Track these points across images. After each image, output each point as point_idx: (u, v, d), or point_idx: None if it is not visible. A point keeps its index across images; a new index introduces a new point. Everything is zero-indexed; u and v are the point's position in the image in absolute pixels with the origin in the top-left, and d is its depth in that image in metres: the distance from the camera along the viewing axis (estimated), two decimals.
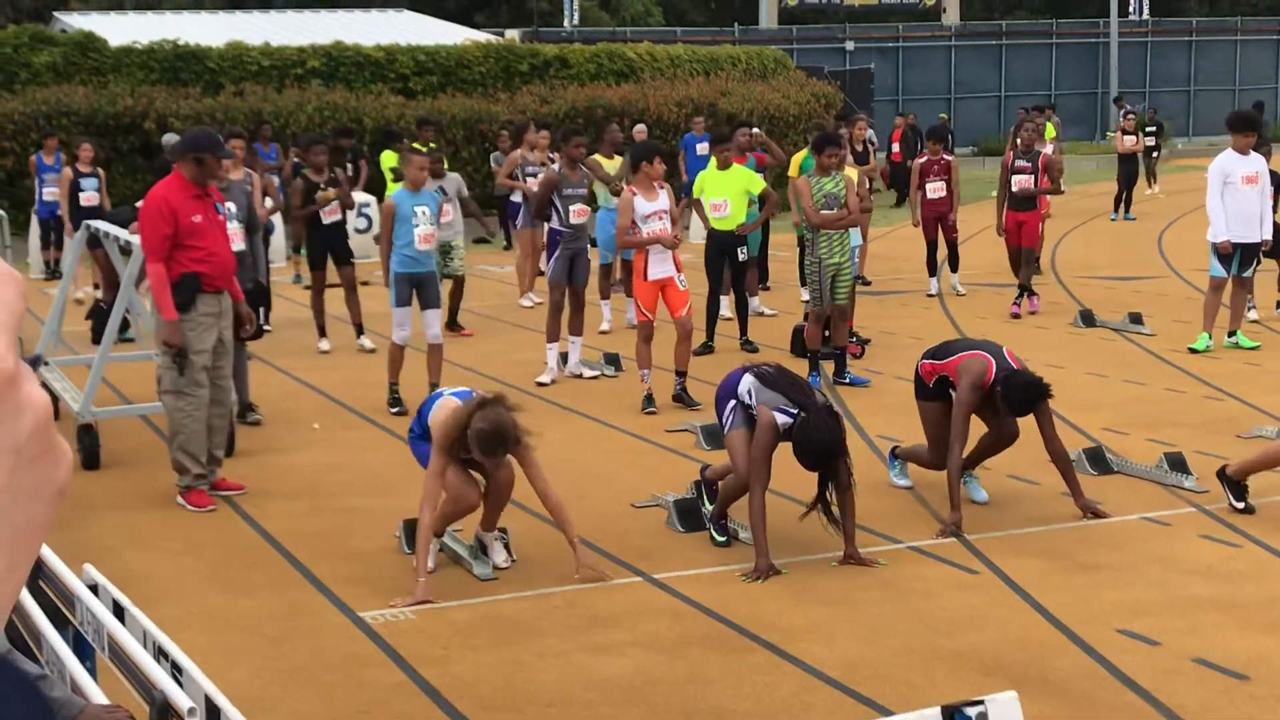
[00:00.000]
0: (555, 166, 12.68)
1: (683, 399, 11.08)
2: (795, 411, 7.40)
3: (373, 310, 15.94)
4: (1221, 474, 8.30)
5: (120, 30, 29.71)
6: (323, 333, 14.02)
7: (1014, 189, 15.18)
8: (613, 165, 15.07)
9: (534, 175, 16.31)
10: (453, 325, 14.72)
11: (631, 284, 15.12)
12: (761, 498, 7.38)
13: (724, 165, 13.26)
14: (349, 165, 20.11)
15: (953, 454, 7.96)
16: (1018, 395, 7.85)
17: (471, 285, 15.65)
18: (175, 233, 8.42)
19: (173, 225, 8.41)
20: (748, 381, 7.65)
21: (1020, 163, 15.20)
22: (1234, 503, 8.19)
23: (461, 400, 7.24)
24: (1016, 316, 15.05)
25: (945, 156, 16.36)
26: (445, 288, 14.58)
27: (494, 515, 7.44)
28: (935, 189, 16.17)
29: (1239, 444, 9.15)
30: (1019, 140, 15.75)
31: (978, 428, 8.31)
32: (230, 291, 8.84)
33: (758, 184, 13.61)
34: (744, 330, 13.70)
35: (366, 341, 14.02)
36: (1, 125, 24.20)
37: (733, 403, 7.71)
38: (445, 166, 15.41)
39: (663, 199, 11.18)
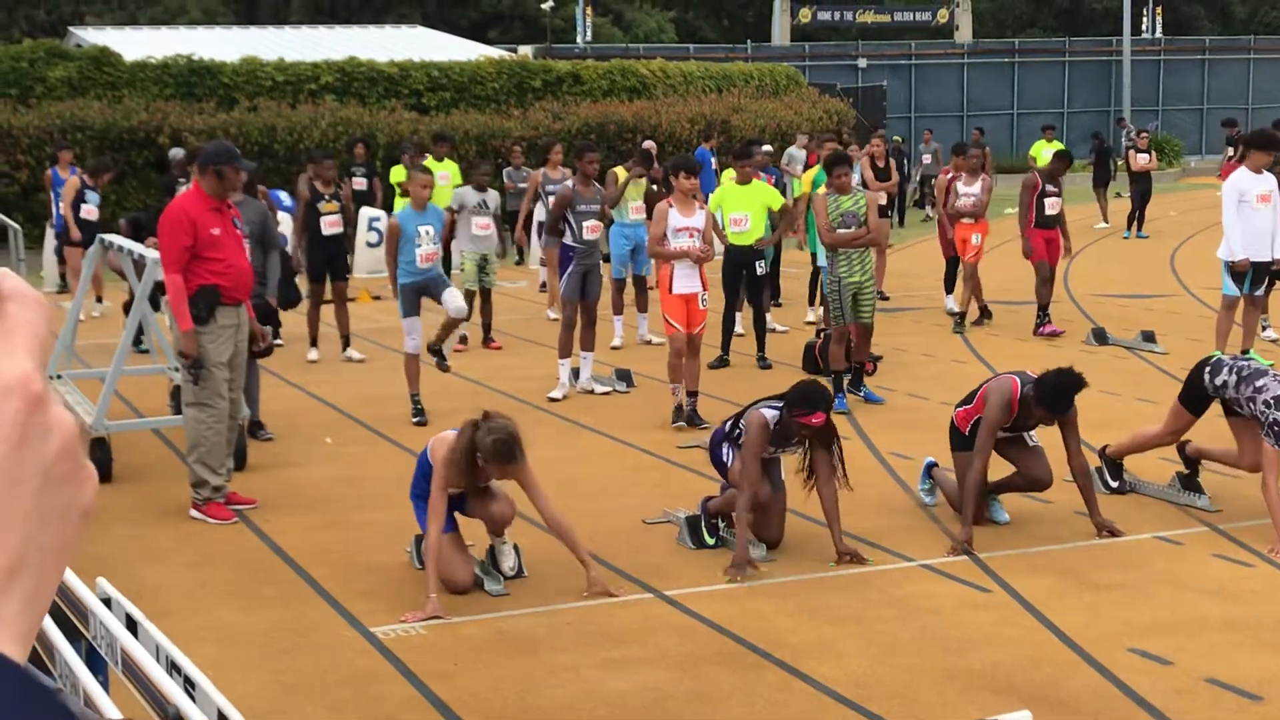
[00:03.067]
0: (569, 183, 12.70)
1: (693, 420, 11.03)
2: (780, 405, 7.56)
3: (389, 325, 15.98)
4: (1101, 453, 8.98)
5: (135, 45, 29.86)
6: (314, 342, 14.21)
7: (1047, 210, 15.13)
8: (636, 181, 15.04)
9: (554, 194, 16.35)
10: (487, 340, 14.84)
11: (642, 300, 15.22)
12: (749, 498, 7.44)
13: (744, 180, 13.25)
14: (365, 179, 20.15)
15: (973, 469, 7.92)
16: (1052, 386, 7.81)
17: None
18: (194, 244, 8.47)
19: (192, 237, 8.46)
20: (732, 424, 7.96)
21: (1049, 187, 15.15)
22: (1110, 482, 8.88)
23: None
24: (1059, 332, 15.03)
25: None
26: (476, 301, 14.75)
27: (500, 522, 7.45)
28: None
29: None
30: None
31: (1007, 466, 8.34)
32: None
33: (777, 199, 13.66)
34: (761, 347, 13.66)
35: (354, 353, 14.28)
36: (17, 139, 24.32)
37: (726, 445, 7.90)
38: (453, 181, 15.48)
39: (698, 217, 11.22)
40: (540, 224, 16.36)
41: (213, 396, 8.64)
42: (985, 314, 15.92)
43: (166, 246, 8.53)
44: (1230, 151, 29.37)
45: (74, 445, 0.85)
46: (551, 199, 15.99)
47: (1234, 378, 8.10)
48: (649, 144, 20.48)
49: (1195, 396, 8.44)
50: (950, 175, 16.29)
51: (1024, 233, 15.22)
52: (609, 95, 29.94)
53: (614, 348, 14.53)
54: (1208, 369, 8.35)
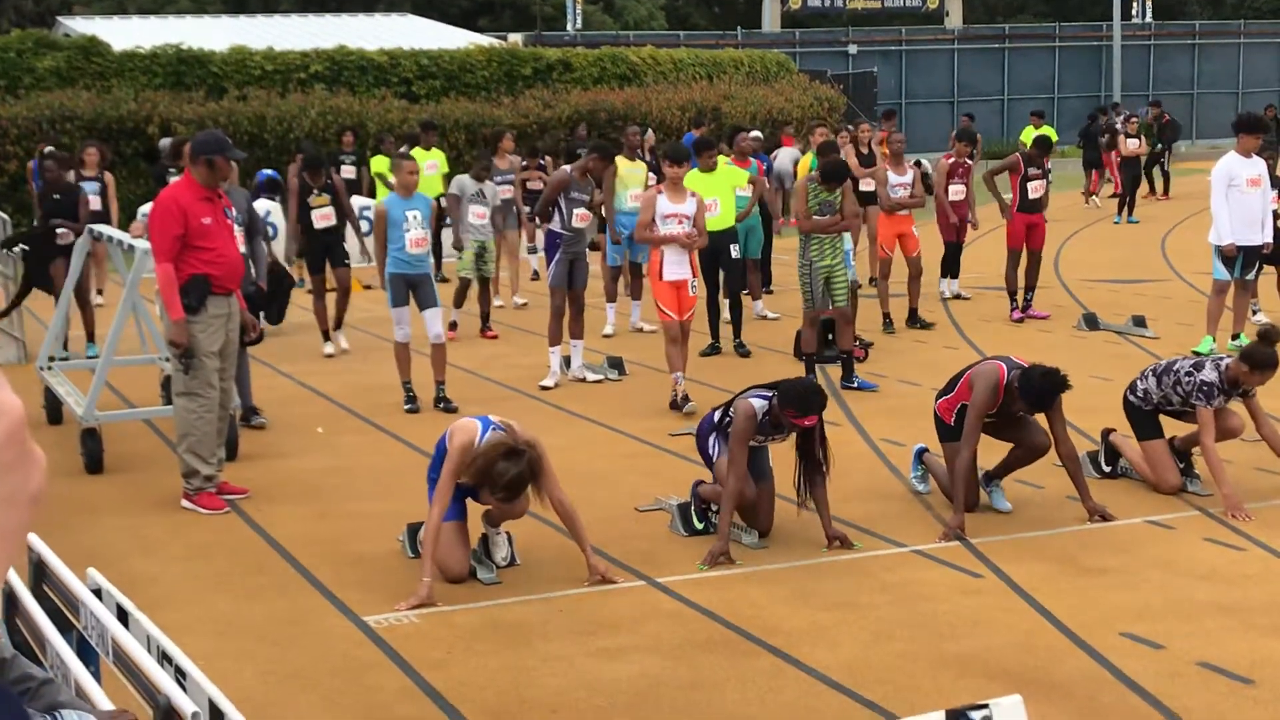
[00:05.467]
0: (568, 169, 12.70)
1: (678, 404, 11.08)
2: (770, 394, 7.54)
3: (379, 314, 15.97)
4: (1104, 435, 9.10)
5: (123, 35, 29.78)
6: (326, 336, 14.15)
7: (1030, 195, 15.05)
8: (634, 168, 14.97)
9: (504, 184, 16.21)
10: (484, 329, 14.82)
11: (636, 288, 15.20)
12: (736, 486, 7.44)
13: (708, 169, 13.21)
14: (354, 168, 20.09)
15: (961, 456, 7.94)
16: (1037, 385, 7.84)
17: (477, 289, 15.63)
18: (185, 234, 8.45)
19: (182, 226, 8.44)
20: (721, 414, 7.95)
21: (1032, 170, 15.07)
22: (1103, 467, 8.99)
23: (484, 427, 7.18)
24: (1045, 317, 14.95)
25: (968, 160, 16.33)
26: (474, 291, 14.76)
27: (501, 519, 7.45)
28: (957, 191, 16.12)
29: (1243, 447, 9.15)
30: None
31: (1000, 447, 8.35)
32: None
33: (742, 178, 13.73)
34: (737, 333, 13.66)
35: (343, 340, 14.31)
36: (5, 130, 24.24)
37: (714, 436, 7.88)
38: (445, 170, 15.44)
39: (689, 204, 11.25)
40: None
41: (203, 386, 8.63)
42: (910, 319, 14.97)
43: (157, 236, 8.51)
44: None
45: (20, 431, 0.83)
46: (501, 189, 15.95)
47: (1152, 379, 8.70)
48: (633, 129, 20.39)
49: (1143, 423, 8.75)
50: (951, 160, 16.27)
51: (1001, 204, 15.35)
52: (599, 83, 29.90)
53: (606, 335, 14.51)
54: (1128, 392, 8.87)
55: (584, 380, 12.35)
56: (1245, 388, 8.36)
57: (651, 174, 16.30)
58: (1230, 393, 8.38)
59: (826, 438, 7.68)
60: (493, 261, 14.84)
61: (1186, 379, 8.40)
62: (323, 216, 13.97)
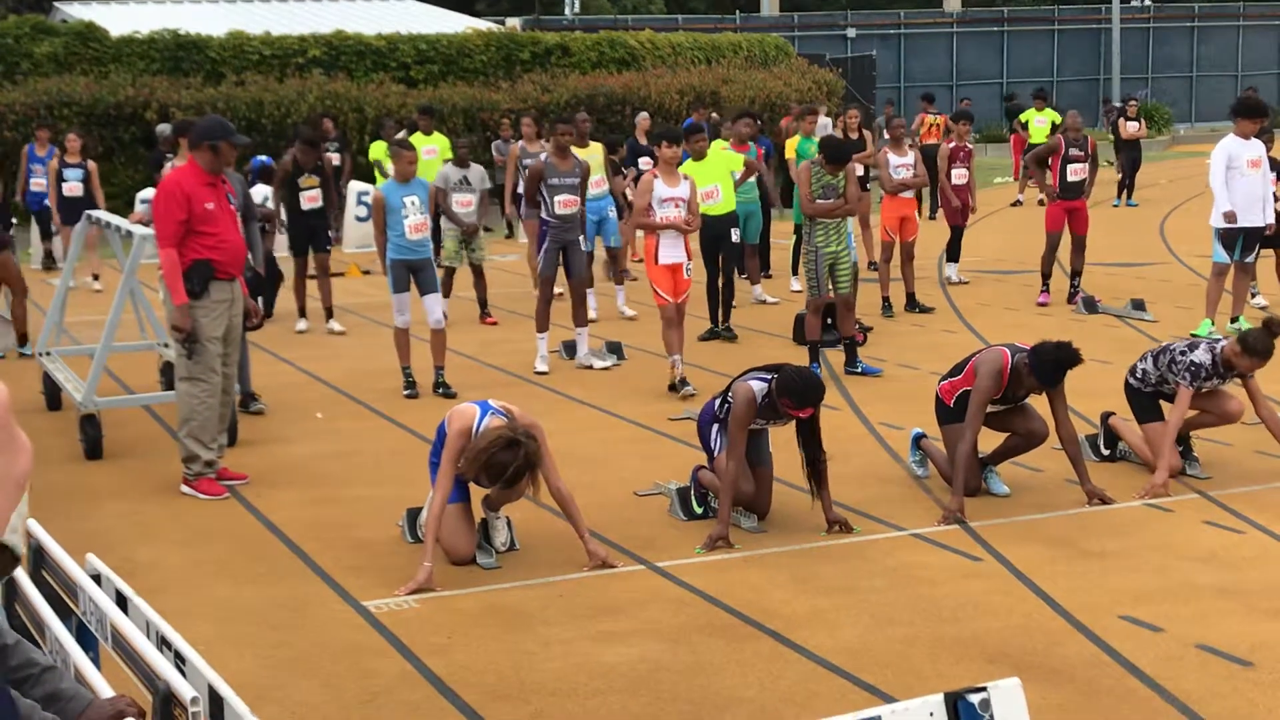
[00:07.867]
0: (543, 156, 12.62)
1: (676, 386, 11.11)
2: (769, 377, 7.52)
3: (378, 299, 15.97)
4: (1103, 419, 9.10)
5: (121, 20, 29.71)
6: (302, 313, 14.41)
7: (1069, 177, 14.92)
8: (586, 154, 14.94)
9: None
10: (484, 315, 14.79)
11: (618, 273, 15.21)
12: (735, 471, 7.43)
13: (699, 156, 13.05)
14: (336, 154, 20.07)
15: (964, 440, 7.93)
16: (1050, 358, 7.83)
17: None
18: (189, 219, 8.45)
19: (186, 211, 8.44)
20: (721, 401, 7.92)
21: (1074, 151, 14.93)
22: (1102, 450, 9.02)
23: (482, 412, 7.19)
24: (1050, 306, 14.85)
25: (969, 145, 16.30)
26: (467, 278, 14.74)
27: (501, 503, 7.45)
28: (960, 175, 16.08)
29: (1243, 430, 9.16)
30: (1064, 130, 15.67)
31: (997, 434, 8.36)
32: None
33: (737, 161, 13.72)
34: (726, 316, 13.59)
35: (335, 325, 14.37)
36: (3, 116, 24.20)
37: (715, 427, 7.86)
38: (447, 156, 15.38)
39: (683, 187, 11.26)
40: (518, 196, 16.31)
41: (206, 371, 8.63)
42: (914, 303, 14.92)
43: (161, 221, 8.51)
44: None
45: (5, 416, 0.83)
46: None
47: (1149, 360, 8.73)
48: (643, 116, 20.34)
49: (1144, 405, 8.76)
50: (953, 144, 16.24)
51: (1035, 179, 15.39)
52: (597, 67, 29.84)
53: (589, 320, 14.50)
54: (1129, 375, 8.88)
55: (590, 368, 12.34)
56: (1239, 371, 8.36)
57: (648, 158, 16.29)
58: (1225, 375, 8.39)
59: (819, 431, 7.65)
60: (483, 248, 14.73)
61: (1180, 357, 8.44)
62: (310, 199, 13.95)
